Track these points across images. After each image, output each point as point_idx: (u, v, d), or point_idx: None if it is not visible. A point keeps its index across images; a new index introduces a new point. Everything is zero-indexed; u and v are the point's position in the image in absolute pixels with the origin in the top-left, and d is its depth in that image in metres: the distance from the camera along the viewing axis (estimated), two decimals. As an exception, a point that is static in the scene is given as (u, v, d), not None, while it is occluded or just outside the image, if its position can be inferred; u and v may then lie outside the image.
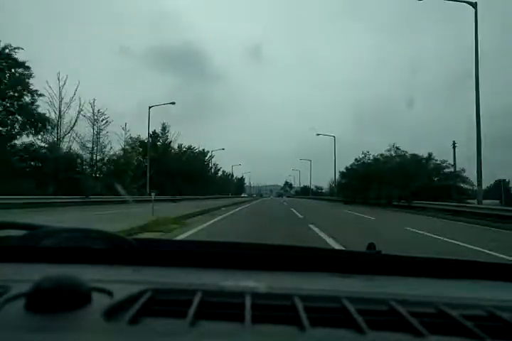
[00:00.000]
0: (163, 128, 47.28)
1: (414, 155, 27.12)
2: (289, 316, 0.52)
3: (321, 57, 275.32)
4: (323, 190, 69.06)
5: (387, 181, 24.63)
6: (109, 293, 0.56)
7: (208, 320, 0.50)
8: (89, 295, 0.52)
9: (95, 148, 32.31)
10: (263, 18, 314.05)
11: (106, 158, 33.36)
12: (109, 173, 31.77)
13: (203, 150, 58.98)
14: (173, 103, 33.87)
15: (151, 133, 37.38)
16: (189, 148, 54.07)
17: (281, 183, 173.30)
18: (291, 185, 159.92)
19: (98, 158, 32.61)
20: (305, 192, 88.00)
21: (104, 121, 32.56)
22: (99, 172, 32.30)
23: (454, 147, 24.45)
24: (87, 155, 31.70)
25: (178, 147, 51.15)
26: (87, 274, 0.62)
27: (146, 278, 0.71)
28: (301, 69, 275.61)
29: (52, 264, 0.80)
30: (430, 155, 26.00)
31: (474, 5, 15.37)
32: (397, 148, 28.61)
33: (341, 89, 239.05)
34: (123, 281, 0.66)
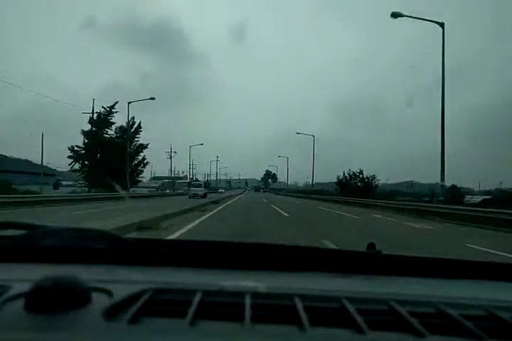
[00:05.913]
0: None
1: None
2: (289, 316, 0.52)
3: (305, 54, 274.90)
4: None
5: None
6: (109, 293, 0.56)
7: (208, 319, 0.50)
8: (88, 295, 0.52)
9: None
10: (247, 4, 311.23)
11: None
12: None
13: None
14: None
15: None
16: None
17: (259, 177, 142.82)
18: (274, 175, 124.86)
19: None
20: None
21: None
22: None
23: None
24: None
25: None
26: (87, 274, 0.62)
27: (146, 278, 0.71)
28: (285, 63, 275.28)
29: (52, 264, 0.80)
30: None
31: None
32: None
33: (322, 86, 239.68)
34: (123, 281, 0.66)
